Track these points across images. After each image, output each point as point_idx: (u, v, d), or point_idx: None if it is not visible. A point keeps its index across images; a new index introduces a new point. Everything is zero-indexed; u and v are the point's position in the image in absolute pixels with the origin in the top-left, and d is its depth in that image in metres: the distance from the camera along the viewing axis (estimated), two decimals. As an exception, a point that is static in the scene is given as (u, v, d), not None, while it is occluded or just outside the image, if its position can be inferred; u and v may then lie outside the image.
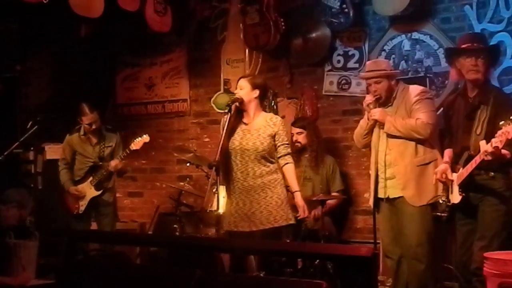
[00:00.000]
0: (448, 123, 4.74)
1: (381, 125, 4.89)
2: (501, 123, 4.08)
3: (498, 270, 3.92)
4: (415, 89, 4.92)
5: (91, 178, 6.22)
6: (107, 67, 7.98)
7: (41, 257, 6.18)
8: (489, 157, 4.14)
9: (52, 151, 7.04)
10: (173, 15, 6.96)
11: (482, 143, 4.20)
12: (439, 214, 4.48)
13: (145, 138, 6.21)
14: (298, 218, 5.07)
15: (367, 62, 5.18)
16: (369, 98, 4.94)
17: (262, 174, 4.87)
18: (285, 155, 4.95)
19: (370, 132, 5.01)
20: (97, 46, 7.82)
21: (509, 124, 4.02)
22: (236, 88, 5.06)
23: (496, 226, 4.39)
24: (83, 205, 6.20)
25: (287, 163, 4.95)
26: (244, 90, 4.94)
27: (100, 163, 6.24)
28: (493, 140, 4.07)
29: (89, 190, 6.21)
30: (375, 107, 4.89)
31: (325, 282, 2.79)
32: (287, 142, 5.00)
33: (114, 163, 6.16)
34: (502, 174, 4.40)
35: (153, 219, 7.11)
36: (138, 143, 6.17)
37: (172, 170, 7.61)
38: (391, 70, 4.98)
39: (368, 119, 4.96)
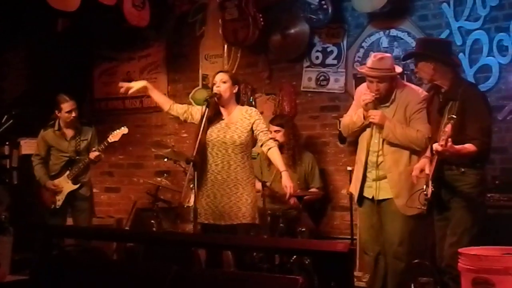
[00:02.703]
0: (429, 120, 4.74)
1: (378, 126, 4.72)
2: (444, 122, 4.19)
3: (472, 266, 3.94)
4: (416, 95, 4.72)
5: (67, 172, 6.15)
6: (85, 62, 7.93)
7: (15, 252, 6.13)
8: (442, 156, 4.22)
9: (28, 146, 6.97)
10: (151, 10, 6.92)
11: (435, 144, 4.26)
12: (418, 207, 4.49)
13: (123, 129, 6.17)
14: (286, 198, 5.07)
15: (372, 58, 4.75)
16: (368, 97, 4.70)
17: (237, 170, 4.87)
18: (267, 141, 4.93)
19: (361, 129, 4.85)
20: (74, 40, 7.75)
21: (448, 123, 4.12)
22: (213, 82, 5.01)
23: (466, 222, 4.40)
24: (60, 199, 6.13)
25: (270, 148, 4.92)
26: (227, 84, 4.92)
27: (77, 157, 6.17)
28: (441, 138, 4.14)
29: (66, 184, 6.14)
30: (373, 107, 4.71)
31: (302, 277, 2.79)
32: (266, 129, 4.99)
33: (94, 154, 6.09)
34: (473, 170, 4.42)
35: (130, 214, 7.08)
36: (116, 135, 6.13)
37: (150, 166, 7.59)
38: (395, 68, 4.74)
39: (364, 118, 4.75)
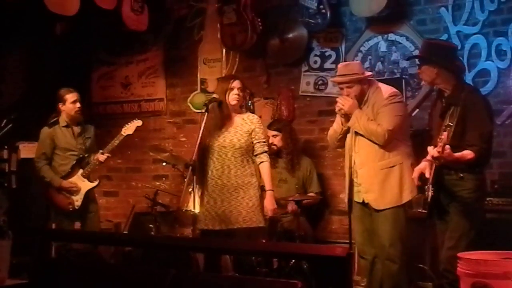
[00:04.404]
0: (430, 124, 4.79)
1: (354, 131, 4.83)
2: (443, 128, 4.23)
3: (471, 270, 3.94)
4: (384, 92, 4.83)
5: (81, 171, 5.98)
6: (83, 66, 7.92)
7: (13, 256, 6.10)
8: (439, 162, 4.25)
9: (27, 150, 6.94)
10: (150, 14, 6.93)
11: (430, 149, 4.30)
12: (419, 210, 4.50)
13: (137, 122, 6.09)
14: (267, 218, 5.09)
15: (339, 66, 5.07)
16: (340, 104, 4.85)
17: (237, 175, 4.89)
18: (261, 153, 4.99)
19: (344, 136, 4.96)
20: (73, 44, 7.76)
21: (445, 131, 4.17)
22: (230, 87, 4.97)
23: (463, 226, 4.41)
24: (78, 199, 5.94)
25: (262, 161, 4.98)
26: (243, 93, 5.01)
27: (86, 155, 6.04)
28: (438, 145, 4.18)
29: (82, 183, 5.96)
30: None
31: (301, 282, 2.79)
32: (263, 140, 5.03)
33: (103, 157, 5.96)
34: (472, 175, 4.43)
35: (129, 218, 7.07)
36: (130, 127, 6.04)
37: (148, 170, 7.58)
38: (363, 73, 4.89)
39: (342, 124, 4.88)
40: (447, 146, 4.15)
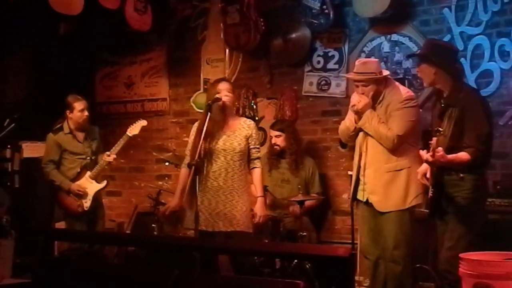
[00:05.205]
0: (431, 125, 4.77)
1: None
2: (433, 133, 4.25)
3: (473, 271, 3.95)
4: (401, 95, 4.74)
5: (88, 173, 6.01)
6: (86, 65, 7.93)
7: (17, 256, 6.12)
8: (434, 165, 4.27)
9: (30, 149, 6.96)
10: (153, 14, 6.94)
11: (422, 153, 4.32)
12: (421, 210, 4.50)
13: (142, 122, 6.11)
14: (254, 222, 5.08)
15: (356, 62, 4.89)
16: (355, 101, 4.79)
17: (234, 178, 4.90)
18: (255, 159, 5.02)
19: (356, 133, 4.89)
20: (76, 44, 7.77)
21: (435, 136, 4.18)
22: (217, 89, 4.95)
23: (462, 227, 4.40)
24: (87, 201, 5.96)
25: (255, 167, 5.02)
26: (231, 94, 4.99)
27: (93, 157, 6.07)
28: (430, 150, 4.20)
29: (90, 185, 5.99)
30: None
31: (303, 282, 2.79)
32: (258, 146, 5.07)
33: (111, 158, 5.99)
34: (472, 175, 4.41)
35: (131, 218, 7.09)
36: (135, 128, 6.06)
37: (151, 170, 7.59)
38: (380, 72, 4.76)
39: (355, 122, 4.80)
40: (439, 149, 4.15)
